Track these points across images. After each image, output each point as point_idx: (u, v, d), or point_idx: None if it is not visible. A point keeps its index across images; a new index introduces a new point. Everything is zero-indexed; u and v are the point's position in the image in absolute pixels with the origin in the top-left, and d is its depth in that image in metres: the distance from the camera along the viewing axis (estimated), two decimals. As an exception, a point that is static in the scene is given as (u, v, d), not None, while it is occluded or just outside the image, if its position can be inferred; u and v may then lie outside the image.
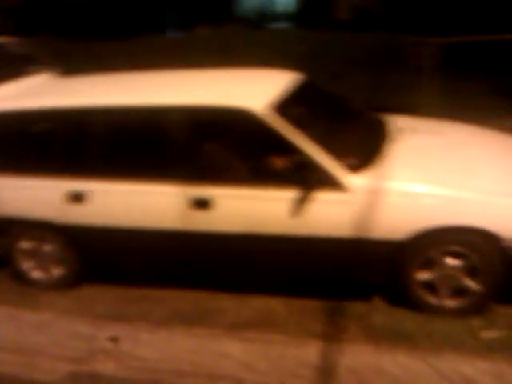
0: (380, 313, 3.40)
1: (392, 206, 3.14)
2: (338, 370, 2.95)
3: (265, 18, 14.93)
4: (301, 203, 3.23)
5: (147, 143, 3.61)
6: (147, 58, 8.25)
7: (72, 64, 7.15)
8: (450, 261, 3.18)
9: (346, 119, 4.05)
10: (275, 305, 3.57)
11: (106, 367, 3.17)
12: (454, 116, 4.78)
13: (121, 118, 3.68)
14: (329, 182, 3.20)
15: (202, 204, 3.42)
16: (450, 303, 3.29)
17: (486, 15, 9.04)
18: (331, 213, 3.22)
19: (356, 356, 3.04)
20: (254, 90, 3.80)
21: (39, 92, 4.42)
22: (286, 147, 3.28)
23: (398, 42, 8.16)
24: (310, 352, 3.10)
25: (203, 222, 3.46)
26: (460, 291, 3.26)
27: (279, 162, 3.38)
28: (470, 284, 3.21)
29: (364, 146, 3.59)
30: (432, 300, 3.30)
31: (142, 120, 3.61)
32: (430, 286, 3.28)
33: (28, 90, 4.43)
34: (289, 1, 15.53)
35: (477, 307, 3.27)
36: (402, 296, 3.36)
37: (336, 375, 2.91)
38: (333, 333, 3.23)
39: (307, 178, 3.20)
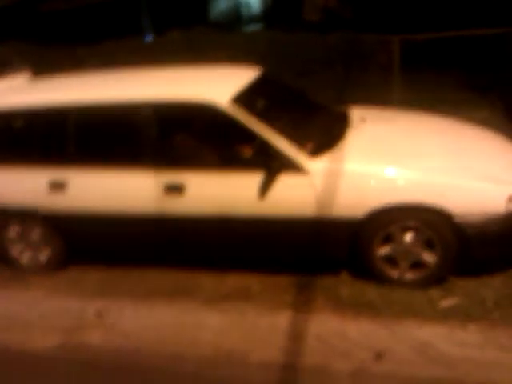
0: (346, 286, 3.66)
1: (349, 187, 3.42)
2: (305, 336, 3.21)
3: (235, 20, 15.16)
4: (266, 186, 3.51)
5: (122, 134, 3.88)
6: (121, 60, 8.47)
7: (47, 67, 7.36)
8: (408, 236, 3.46)
9: (306, 110, 4.34)
10: (250, 281, 3.83)
11: (93, 338, 3.43)
12: (424, 110, 5.02)
13: (96, 112, 3.93)
14: (290, 166, 3.48)
15: (174, 189, 3.68)
16: (410, 275, 3.56)
17: (452, 11, 9.36)
18: (294, 194, 3.50)
19: (322, 324, 3.31)
20: (218, 84, 4.09)
21: (17, 90, 4.66)
22: (249, 136, 3.57)
23: (364, 41, 8.47)
24: (280, 321, 3.37)
25: (176, 206, 3.71)
26: (418, 264, 3.53)
27: (245, 150, 3.66)
28: (427, 257, 3.48)
29: (324, 134, 3.88)
30: (393, 273, 3.57)
31: (115, 113, 3.87)
32: (390, 260, 3.55)
33: (7, 90, 4.66)
34: (259, 4, 15.76)
35: (434, 279, 3.54)
36: (366, 270, 3.63)
37: (304, 341, 3.18)
38: (302, 304, 3.51)
39: (270, 163, 3.49)
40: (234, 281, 3.86)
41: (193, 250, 3.96)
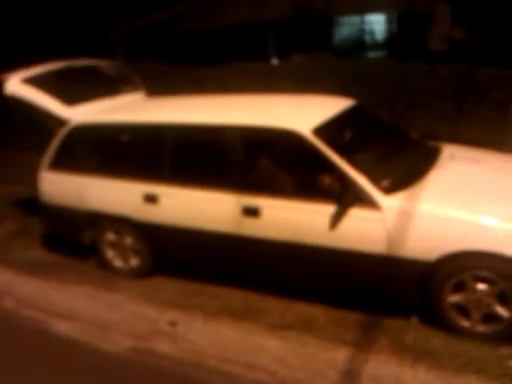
0: (413, 331, 3.59)
1: (422, 228, 3.36)
2: (361, 375, 3.22)
3: (358, 47, 15.13)
4: (337, 218, 3.56)
5: (209, 156, 4.13)
6: (240, 82, 8.89)
7: (167, 86, 7.91)
8: (481, 286, 3.32)
9: (395, 145, 4.32)
10: (317, 312, 3.88)
11: (163, 346, 3.68)
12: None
13: (189, 134, 4.24)
14: (364, 200, 3.50)
15: (251, 212, 3.84)
16: (481, 328, 3.41)
17: None
18: (365, 229, 3.51)
19: (380, 365, 3.28)
20: (306, 113, 4.20)
21: (126, 108, 5.13)
22: (327, 166, 3.64)
23: (481, 75, 8.12)
24: (339, 356, 3.39)
25: (252, 228, 3.88)
26: (492, 317, 3.37)
27: (321, 179, 3.74)
28: (501, 311, 3.32)
29: (405, 170, 3.85)
30: (463, 323, 3.44)
31: (206, 136, 4.15)
32: (462, 309, 3.43)
33: (118, 107, 5.15)
34: (384, 32, 15.59)
35: (507, 335, 3.37)
36: (435, 316, 3.53)
37: (359, 380, 3.19)
38: (364, 343, 3.49)
39: (345, 195, 3.53)
40: (300, 309, 3.93)
41: (263, 272, 4.10)
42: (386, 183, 3.57)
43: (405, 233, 3.39)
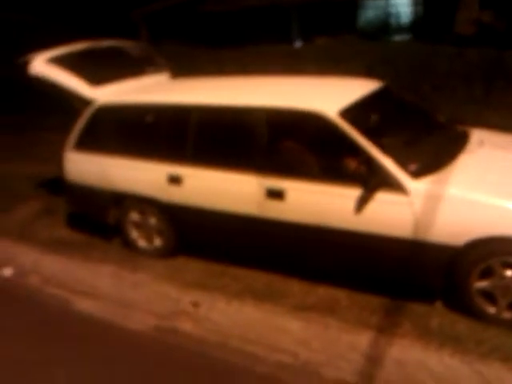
0: (438, 315, 3.55)
1: (450, 212, 3.31)
2: (384, 359, 3.20)
3: (383, 30, 14.90)
4: (363, 201, 3.51)
5: (234, 137, 4.10)
6: (262, 65, 8.83)
7: (189, 68, 7.90)
8: (509, 272, 3.26)
9: (423, 128, 4.24)
10: (340, 295, 3.86)
11: (185, 326, 3.71)
12: None
13: (213, 116, 4.21)
14: (391, 184, 3.44)
15: (275, 194, 3.82)
16: (507, 315, 3.36)
17: None
18: (391, 213, 3.46)
19: (404, 350, 3.25)
20: (330, 95, 4.14)
21: (151, 89, 5.11)
22: (353, 149, 3.58)
23: (508, 59, 7.93)
24: (362, 340, 3.37)
25: (276, 210, 3.86)
26: (519, 304, 3.32)
27: (347, 162, 3.70)
28: (529, 299, 3.27)
29: (433, 154, 3.78)
30: (489, 309, 3.39)
31: (230, 118, 4.12)
32: (488, 295, 3.38)
33: (143, 87, 5.15)
34: (409, 14, 15.33)
35: (535, 322, 3.31)
36: (461, 302, 3.49)
37: (382, 364, 3.17)
38: (387, 327, 3.47)
39: (371, 179, 3.48)
40: (323, 292, 3.92)
41: (287, 255, 4.08)
42: (413, 167, 3.51)
43: (432, 217, 3.34)
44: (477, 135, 4.24)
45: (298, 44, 14.75)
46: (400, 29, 15.28)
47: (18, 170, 7.41)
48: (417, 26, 14.96)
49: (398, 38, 14.63)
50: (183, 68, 7.57)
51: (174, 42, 12.46)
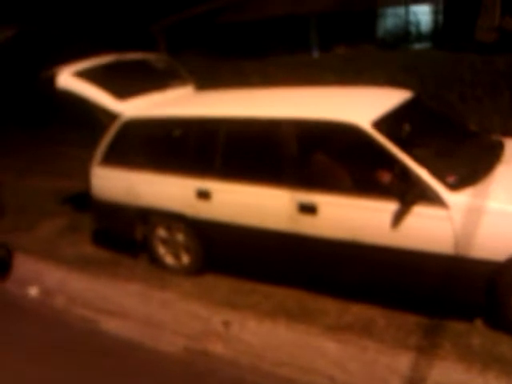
0: (479, 334, 3.40)
1: (492, 226, 3.17)
2: (426, 382, 3.06)
3: (403, 39, 14.76)
4: (400, 216, 3.39)
5: (264, 150, 4.00)
6: (284, 75, 8.76)
7: (211, 80, 7.85)
8: (554, 290, 3.13)
9: (457, 138, 4.12)
10: (375, 315, 3.73)
11: (216, 347, 3.61)
12: None
13: (243, 128, 4.13)
14: (429, 198, 3.32)
15: (308, 209, 3.72)
16: (554, 335, 3.23)
17: None
18: (429, 228, 3.33)
19: (446, 372, 3.11)
20: (363, 106, 4.03)
21: (177, 102, 5.06)
22: (389, 161, 3.47)
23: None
24: (402, 362, 3.23)
25: (308, 225, 3.75)
26: None
27: (382, 175, 3.58)
28: None
29: (470, 165, 3.64)
30: (534, 329, 3.26)
31: (260, 130, 4.02)
32: (532, 314, 3.24)
33: (169, 100, 5.10)
34: (429, 23, 15.20)
35: None
36: (503, 320, 3.35)
37: (423, 387, 3.05)
38: (427, 348, 3.32)
39: (408, 192, 3.35)
40: (358, 311, 3.79)
41: (319, 272, 3.97)
42: (451, 179, 3.38)
43: (473, 231, 3.21)
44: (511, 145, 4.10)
45: (316, 54, 14.67)
46: (420, 37, 15.13)
47: (41, 186, 7.42)
48: (437, 34, 14.80)
49: (418, 46, 14.47)
50: (205, 80, 7.52)
51: (194, 53, 12.45)
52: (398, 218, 3.41)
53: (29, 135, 10.10)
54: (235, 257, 4.40)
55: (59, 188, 7.12)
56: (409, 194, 3.35)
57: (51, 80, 4.84)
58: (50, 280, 4.82)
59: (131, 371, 3.45)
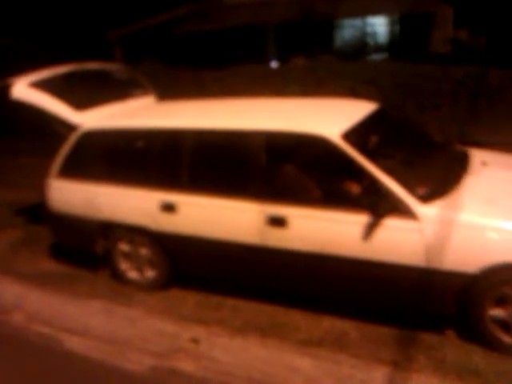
0: (451, 346, 3.39)
1: (462, 238, 3.17)
2: (401, 397, 3.02)
3: (360, 50, 15.02)
4: (371, 228, 3.35)
5: (230, 163, 3.91)
6: (244, 85, 8.73)
7: (171, 89, 7.73)
8: (526, 301, 3.13)
9: (423, 149, 4.13)
10: (347, 327, 3.67)
11: (185, 365, 3.45)
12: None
13: (207, 140, 4.03)
14: (399, 210, 3.29)
15: (277, 222, 3.63)
16: (525, 345, 3.23)
17: None
18: (400, 240, 3.30)
19: (422, 386, 3.09)
20: (330, 118, 4.00)
21: (139, 113, 4.91)
22: (358, 173, 3.44)
23: (493, 77, 7.98)
24: (378, 377, 3.17)
25: (278, 238, 3.67)
26: (537, 333, 3.18)
27: (352, 187, 3.56)
28: (547, 328, 3.14)
29: (439, 177, 3.65)
30: (506, 339, 3.24)
31: (225, 142, 3.93)
32: (503, 324, 3.23)
33: (130, 111, 4.95)
34: (385, 34, 15.51)
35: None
36: (474, 331, 3.34)
37: (399, 402, 2.99)
38: (401, 361, 3.28)
39: (378, 204, 3.32)
40: (330, 324, 3.73)
41: (290, 286, 3.88)
42: (422, 191, 3.37)
43: (444, 244, 3.20)
44: (477, 155, 4.15)
45: (274, 64, 14.73)
46: (377, 48, 15.41)
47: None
48: (394, 45, 15.10)
49: (375, 57, 14.73)
50: (165, 89, 7.39)
51: (152, 62, 12.27)
52: (368, 230, 3.37)
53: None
54: (202, 271, 4.27)
55: (13, 199, 6.82)
56: (379, 206, 3.32)
57: (6, 91, 4.61)
58: (6, 297, 4.55)
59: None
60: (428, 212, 3.27)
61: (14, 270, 4.99)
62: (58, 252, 5.28)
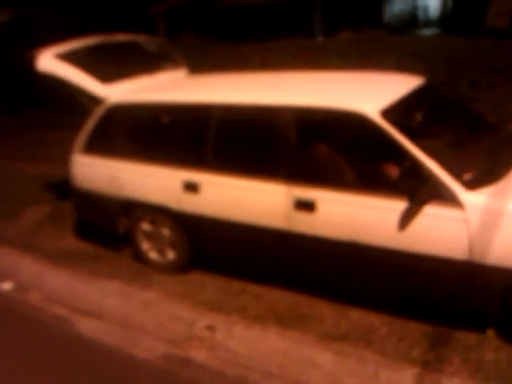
0: (492, 348, 3.06)
1: (510, 231, 2.82)
2: (432, 402, 2.74)
3: (410, 24, 14.32)
4: (409, 216, 3.03)
5: (259, 141, 3.63)
6: (285, 59, 8.38)
7: (209, 63, 7.49)
8: None
9: (473, 130, 3.76)
10: (376, 322, 3.39)
11: (199, 355, 3.26)
12: None
13: (236, 116, 3.76)
14: (442, 197, 2.96)
15: (305, 206, 3.36)
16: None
17: None
18: (442, 230, 2.97)
19: (455, 391, 2.79)
20: (369, 93, 3.65)
21: (167, 87, 4.69)
22: (397, 155, 3.11)
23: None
24: (404, 377, 2.90)
25: (305, 224, 3.40)
26: None
27: (390, 170, 3.23)
28: None
29: (489, 161, 3.28)
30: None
31: (256, 118, 3.65)
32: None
33: (159, 85, 4.73)
34: (438, 8, 14.75)
35: None
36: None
37: (429, 408, 2.71)
38: (433, 362, 2.99)
39: (419, 190, 2.99)
40: (357, 317, 3.44)
41: (315, 274, 3.63)
42: (468, 176, 3.01)
43: (490, 236, 2.85)
44: None
45: (320, 38, 14.23)
46: (428, 22, 14.68)
47: (25, 170, 7.08)
48: (446, 19, 14.36)
49: (426, 32, 14.01)
50: (203, 63, 7.16)
51: (192, 36, 12.05)
52: (406, 219, 3.05)
53: (16, 119, 9.72)
54: (224, 254, 4.05)
55: (43, 173, 6.77)
56: (419, 191, 2.99)
57: (32, 62, 4.47)
58: (25, 275, 4.46)
59: (102, 380, 3.11)
60: (474, 200, 2.92)
61: (36, 247, 4.90)
62: (83, 230, 5.16)
